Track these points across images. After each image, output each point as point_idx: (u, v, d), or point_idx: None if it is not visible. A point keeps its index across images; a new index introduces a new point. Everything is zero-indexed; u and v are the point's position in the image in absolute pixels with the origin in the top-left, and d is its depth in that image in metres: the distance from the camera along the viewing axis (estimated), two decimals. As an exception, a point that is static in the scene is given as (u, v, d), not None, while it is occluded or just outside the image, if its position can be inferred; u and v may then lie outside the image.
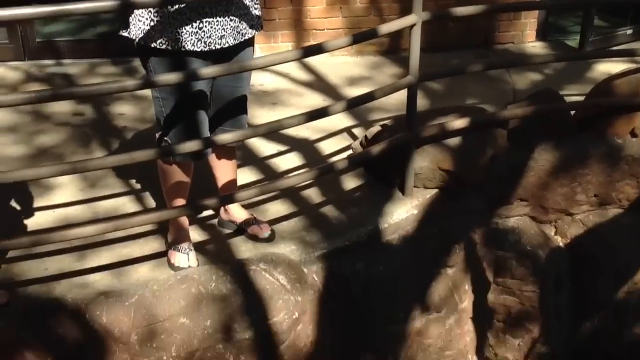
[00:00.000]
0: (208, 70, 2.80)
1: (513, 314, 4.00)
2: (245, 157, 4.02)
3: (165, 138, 3.00)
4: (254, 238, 3.37)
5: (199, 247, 3.29)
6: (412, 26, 3.31)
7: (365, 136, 3.96)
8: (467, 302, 3.95)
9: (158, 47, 2.80)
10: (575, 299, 4.05)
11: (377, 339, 3.63)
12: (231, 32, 2.89)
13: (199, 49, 2.83)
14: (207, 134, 3.03)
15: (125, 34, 2.86)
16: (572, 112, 4.24)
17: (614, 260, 3.96)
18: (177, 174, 3.11)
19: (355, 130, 4.41)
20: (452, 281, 3.82)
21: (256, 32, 3.04)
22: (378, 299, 3.52)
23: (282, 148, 4.18)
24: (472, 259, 3.90)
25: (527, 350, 4.06)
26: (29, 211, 3.53)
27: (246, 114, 3.22)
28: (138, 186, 3.76)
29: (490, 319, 4.06)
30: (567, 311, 4.05)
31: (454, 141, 3.73)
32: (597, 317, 4.05)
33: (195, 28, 2.80)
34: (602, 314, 4.04)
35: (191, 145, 2.89)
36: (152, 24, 2.78)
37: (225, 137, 3.04)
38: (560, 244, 4.09)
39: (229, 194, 3.25)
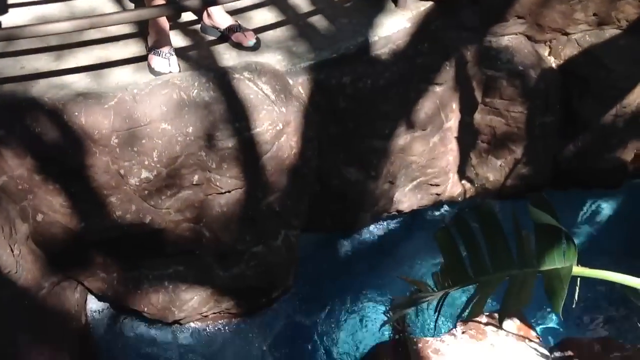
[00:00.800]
0: None
1: (498, 135, 4.00)
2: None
3: None
4: (238, 46, 3.26)
5: (180, 53, 3.17)
6: None
7: (360, -59, 3.73)
8: (453, 121, 3.93)
9: None
10: (562, 120, 4.03)
11: (360, 154, 3.63)
12: None
13: None
14: None
15: None
16: None
17: (605, 82, 3.90)
18: (155, -29, 2.93)
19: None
20: (439, 99, 3.77)
21: None
22: (364, 113, 3.48)
23: (271, -47, 3.94)
24: (461, 78, 3.83)
25: (509, 170, 4.11)
26: (3, 8, 3.35)
27: None
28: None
29: (474, 139, 4.07)
30: (552, 133, 4.04)
31: (453, -51, 3.52)
32: (582, 139, 4.06)
33: None
34: (588, 136, 4.04)
35: None
36: None
37: None
38: (553, 64, 4.00)
39: (212, -5, 3.09)
